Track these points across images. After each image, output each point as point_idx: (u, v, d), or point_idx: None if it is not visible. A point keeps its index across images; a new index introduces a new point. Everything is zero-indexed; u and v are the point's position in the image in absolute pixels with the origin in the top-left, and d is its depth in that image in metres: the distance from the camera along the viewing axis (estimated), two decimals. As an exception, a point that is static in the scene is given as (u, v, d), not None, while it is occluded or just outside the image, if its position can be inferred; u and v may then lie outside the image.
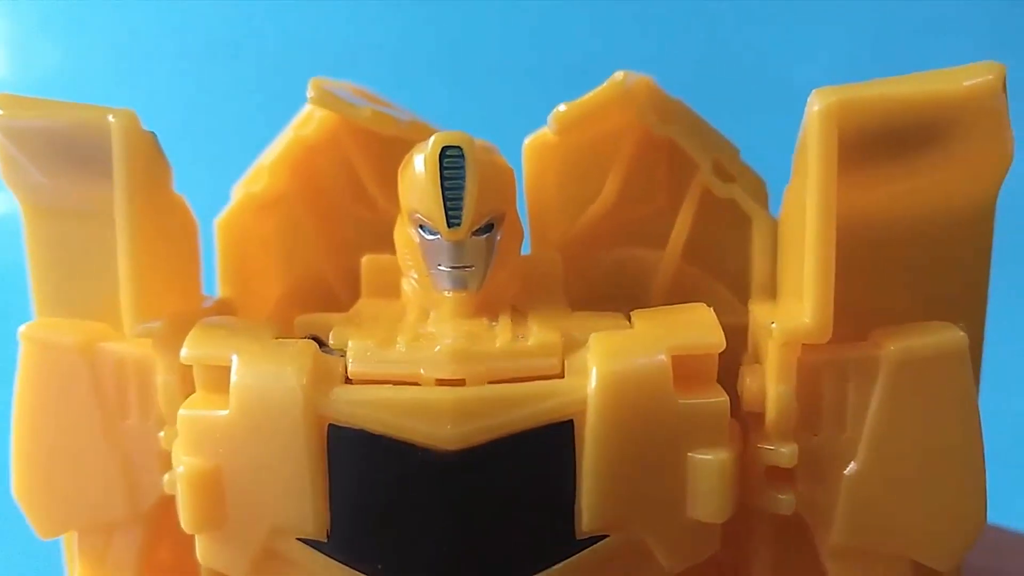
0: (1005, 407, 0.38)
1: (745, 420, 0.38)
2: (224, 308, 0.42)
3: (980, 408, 0.36)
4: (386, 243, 0.42)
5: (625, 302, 0.41)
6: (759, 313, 0.38)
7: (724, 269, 0.44)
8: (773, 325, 0.35)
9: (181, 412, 0.35)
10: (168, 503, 0.39)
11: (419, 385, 0.35)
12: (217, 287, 0.44)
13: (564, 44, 0.97)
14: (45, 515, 0.39)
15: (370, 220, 0.46)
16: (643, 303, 0.41)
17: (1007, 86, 0.34)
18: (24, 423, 0.39)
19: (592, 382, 0.34)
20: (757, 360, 0.38)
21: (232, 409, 0.34)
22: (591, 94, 0.40)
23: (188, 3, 0.98)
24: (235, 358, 0.35)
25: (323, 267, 0.46)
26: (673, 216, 0.44)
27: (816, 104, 0.34)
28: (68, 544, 0.42)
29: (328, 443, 0.34)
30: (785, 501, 0.36)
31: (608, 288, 0.45)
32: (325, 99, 0.41)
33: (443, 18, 0.97)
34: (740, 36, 0.97)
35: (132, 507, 0.39)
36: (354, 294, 0.44)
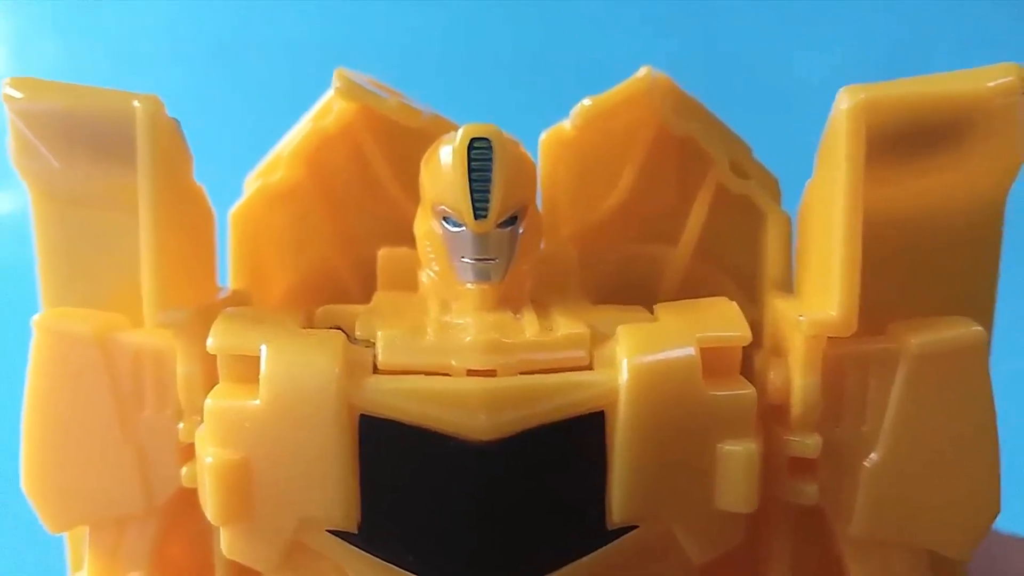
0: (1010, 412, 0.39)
1: (764, 415, 0.38)
2: (239, 299, 0.41)
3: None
4: (398, 236, 0.42)
5: (636, 297, 0.41)
6: (782, 307, 0.39)
7: (735, 266, 0.45)
8: (801, 318, 0.36)
9: (209, 403, 0.34)
10: (183, 497, 0.39)
11: (449, 376, 0.35)
12: (228, 278, 0.44)
13: (574, 42, 0.98)
14: (56, 509, 0.38)
15: (382, 213, 0.45)
16: (653, 299, 0.41)
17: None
18: (36, 415, 0.38)
19: (623, 374, 0.34)
20: (776, 353, 0.39)
21: (263, 400, 0.34)
22: (615, 89, 0.41)
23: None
24: (265, 348, 0.34)
25: (334, 260, 0.46)
26: (684, 213, 0.45)
27: (845, 102, 0.35)
28: (74, 539, 0.42)
29: (360, 433, 0.34)
30: (808, 492, 0.37)
31: (619, 283, 0.45)
32: (351, 89, 0.40)
33: (455, 14, 0.97)
34: (744, 36, 0.99)
35: (147, 501, 0.38)
36: (365, 287, 0.44)
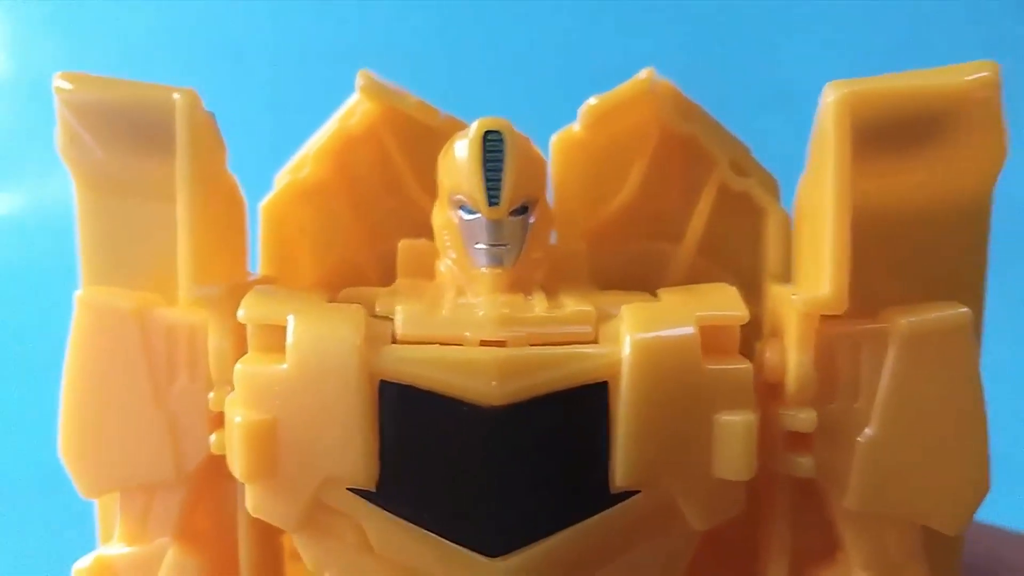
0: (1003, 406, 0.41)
1: (762, 393, 0.40)
2: (267, 284, 0.44)
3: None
4: (418, 232, 0.45)
5: (642, 292, 0.43)
6: (778, 292, 0.41)
7: (736, 262, 0.47)
8: (794, 296, 0.38)
9: (238, 367, 0.37)
10: (210, 467, 0.41)
11: (463, 346, 0.37)
12: (258, 269, 0.46)
13: (581, 49, 1.01)
14: (91, 475, 0.41)
15: (403, 210, 0.48)
16: None
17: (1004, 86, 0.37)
18: (75, 385, 0.40)
19: (626, 348, 0.36)
20: (773, 335, 0.41)
21: (290, 364, 0.36)
22: (618, 89, 0.44)
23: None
24: (292, 318, 0.37)
25: (357, 255, 0.49)
26: (688, 211, 0.47)
27: (831, 95, 0.37)
28: (104, 511, 0.44)
29: (379, 398, 0.36)
30: (804, 464, 0.39)
31: (625, 278, 0.47)
32: (374, 88, 0.43)
33: (468, 20, 1.01)
34: (737, 40, 1.01)
35: (177, 468, 0.40)
36: (387, 280, 0.46)
